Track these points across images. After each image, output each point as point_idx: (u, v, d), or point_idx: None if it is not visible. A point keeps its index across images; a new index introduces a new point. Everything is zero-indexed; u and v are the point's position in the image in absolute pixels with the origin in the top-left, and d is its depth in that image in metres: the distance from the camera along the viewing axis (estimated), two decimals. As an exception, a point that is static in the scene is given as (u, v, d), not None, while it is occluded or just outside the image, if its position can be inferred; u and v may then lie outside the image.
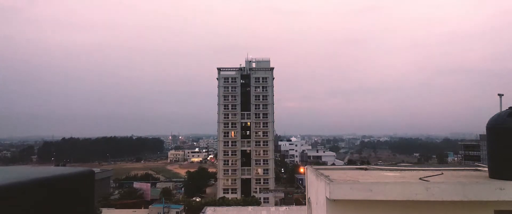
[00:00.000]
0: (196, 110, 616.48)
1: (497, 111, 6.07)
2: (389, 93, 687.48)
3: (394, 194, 5.55)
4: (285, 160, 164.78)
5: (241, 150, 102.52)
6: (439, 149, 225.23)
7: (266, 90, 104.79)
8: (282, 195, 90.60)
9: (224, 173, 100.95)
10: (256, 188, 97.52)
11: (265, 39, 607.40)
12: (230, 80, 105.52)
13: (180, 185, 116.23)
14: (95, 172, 1.84)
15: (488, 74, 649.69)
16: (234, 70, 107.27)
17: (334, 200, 5.74)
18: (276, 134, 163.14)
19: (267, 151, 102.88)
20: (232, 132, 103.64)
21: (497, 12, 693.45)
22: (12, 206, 1.29)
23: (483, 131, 6.11)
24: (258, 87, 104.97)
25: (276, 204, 74.13)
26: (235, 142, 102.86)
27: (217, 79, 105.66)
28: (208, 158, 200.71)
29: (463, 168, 8.35)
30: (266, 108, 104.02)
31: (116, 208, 70.43)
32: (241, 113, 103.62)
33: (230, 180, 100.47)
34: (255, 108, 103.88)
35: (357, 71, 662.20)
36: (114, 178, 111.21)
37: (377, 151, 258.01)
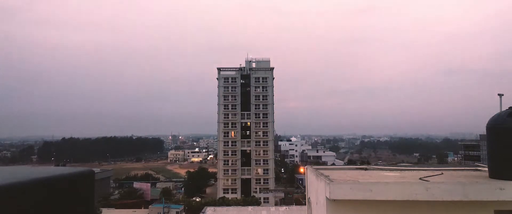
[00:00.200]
0: (196, 110, 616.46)
1: (497, 111, 6.07)
2: (389, 93, 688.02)
3: (394, 194, 5.55)
4: (285, 160, 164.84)
5: (241, 150, 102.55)
6: (439, 149, 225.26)
7: (266, 90, 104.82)
8: (282, 195, 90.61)
9: (224, 173, 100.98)
10: (256, 188, 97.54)
11: (265, 39, 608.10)
12: (230, 80, 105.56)
13: (180, 185, 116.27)
14: (95, 172, 1.84)
15: (488, 74, 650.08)
16: (234, 70, 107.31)
17: (334, 200, 5.74)
18: (276, 134, 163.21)
19: (267, 151, 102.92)
20: (232, 132, 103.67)
21: (497, 12, 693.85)
22: (12, 206, 1.29)
23: (483, 131, 6.11)
24: (258, 87, 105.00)
25: (276, 204, 74.10)
26: (235, 142, 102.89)
27: (217, 79, 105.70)
28: (208, 158, 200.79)
29: (463, 168, 8.35)
30: (266, 108, 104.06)
31: (116, 208, 70.44)
32: (241, 113, 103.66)
33: (230, 180, 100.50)
34: (255, 108, 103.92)
35: (357, 71, 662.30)
36: (114, 178, 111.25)
37: (377, 151, 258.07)
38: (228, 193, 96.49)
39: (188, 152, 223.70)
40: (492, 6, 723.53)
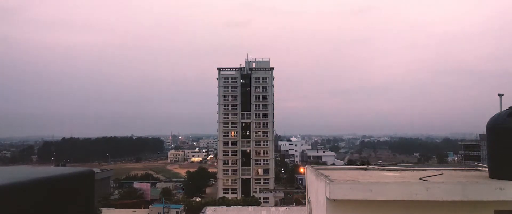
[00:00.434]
0: (196, 110, 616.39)
1: (497, 111, 6.08)
2: (389, 93, 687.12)
3: (394, 194, 5.55)
4: (285, 160, 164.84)
5: (241, 150, 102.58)
6: (439, 149, 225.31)
7: (266, 90, 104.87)
8: (282, 195, 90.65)
9: (224, 173, 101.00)
10: (256, 188, 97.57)
11: (265, 39, 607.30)
12: (230, 80, 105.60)
13: (180, 185, 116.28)
14: (95, 172, 1.84)
15: (488, 74, 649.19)
16: (234, 70, 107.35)
17: (334, 200, 5.74)
18: (276, 134, 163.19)
19: (267, 151, 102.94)
20: (232, 132, 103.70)
21: (497, 12, 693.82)
22: (12, 206, 1.29)
23: (483, 131, 6.11)
24: (258, 87, 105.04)
25: (276, 204, 74.11)
26: (235, 142, 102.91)
27: (217, 79, 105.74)
28: (208, 158, 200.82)
29: (463, 168, 8.36)
30: (266, 108, 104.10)
31: (116, 208, 70.49)
32: (241, 113, 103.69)
33: (230, 180, 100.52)
34: (255, 108, 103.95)
35: (357, 71, 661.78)
36: (114, 178, 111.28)
37: (377, 151, 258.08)
38: (228, 193, 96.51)
39: (188, 152, 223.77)
40: (492, 6, 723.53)
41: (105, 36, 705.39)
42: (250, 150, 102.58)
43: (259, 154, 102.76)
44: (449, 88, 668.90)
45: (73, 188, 1.61)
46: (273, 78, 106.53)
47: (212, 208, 36.81)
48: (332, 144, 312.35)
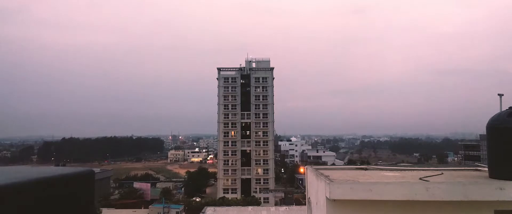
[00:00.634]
0: (196, 110, 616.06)
1: (497, 111, 6.07)
2: (389, 93, 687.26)
3: (394, 194, 5.54)
4: (285, 160, 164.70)
5: (241, 150, 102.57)
6: (439, 149, 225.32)
7: (266, 90, 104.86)
8: (282, 195, 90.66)
9: (224, 173, 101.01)
10: (256, 188, 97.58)
11: (265, 39, 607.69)
12: (230, 80, 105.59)
13: (180, 185, 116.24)
14: (95, 172, 1.84)
15: (488, 74, 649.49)
16: (234, 70, 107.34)
17: (334, 200, 5.74)
18: (276, 134, 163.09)
19: (267, 151, 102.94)
20: (232, 132, 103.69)
21: (498, 12, 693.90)
22: (12, 206, 1.29)
23: (483, 131, 6.11)
24: (258, 87, 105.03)
25: (276, 204, 74.13)
26: (235, 142, 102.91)
27: (217, 79, 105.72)
28: (208, 158, 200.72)
29: (463, 168, 8.35)
30: (266, 108, 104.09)
31: (116, 208, 70.52)
32: (241, 113, 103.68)
33: (230, 180, 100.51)
34: (255, 108, 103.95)
35: (357, 71, 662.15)
36: (114, 178, 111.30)
37: (377, 151, 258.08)
38: (228, 193, 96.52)
39: (188, 152, 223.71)
40: (492, 6, 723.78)
41: (105, 36, 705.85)
42: (250, 150, 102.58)
43: (259, 154, 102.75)
44: (449, 88, 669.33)
45: (73, 188, 1.61)
46: (273, 78, 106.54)
47: (212, 208, 36.79)
48: (332, 144, 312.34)
